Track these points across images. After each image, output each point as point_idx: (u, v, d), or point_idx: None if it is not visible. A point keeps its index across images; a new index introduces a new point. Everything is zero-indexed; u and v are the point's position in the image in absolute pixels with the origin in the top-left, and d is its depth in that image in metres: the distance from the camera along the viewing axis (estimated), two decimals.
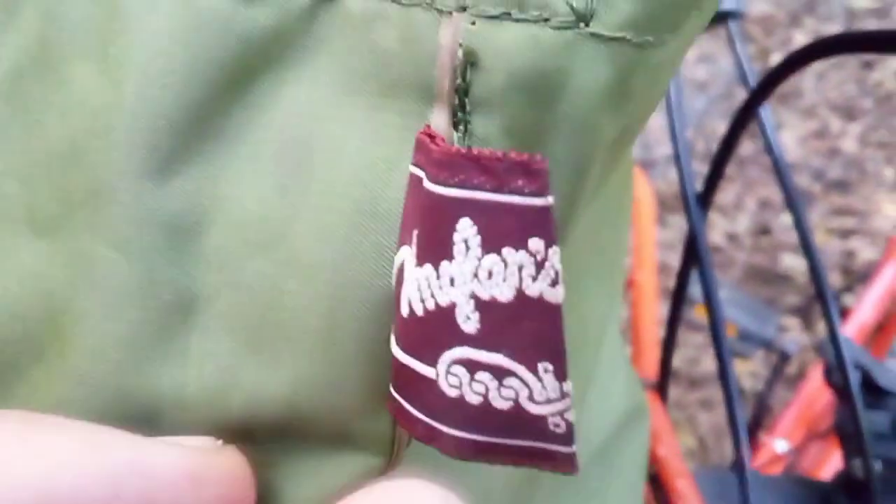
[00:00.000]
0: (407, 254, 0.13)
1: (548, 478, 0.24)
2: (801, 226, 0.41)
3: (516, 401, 0.12)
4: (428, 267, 0.12)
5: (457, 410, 0.12)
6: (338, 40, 0.13)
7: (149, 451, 0.12)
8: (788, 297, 1.40)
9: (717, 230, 1.47)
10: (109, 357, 0.13)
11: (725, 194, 1.52)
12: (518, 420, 0.12)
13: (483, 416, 0.12)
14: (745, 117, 0.43)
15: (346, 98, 0.13)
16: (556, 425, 0.12)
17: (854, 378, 0.42)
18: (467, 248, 0.12)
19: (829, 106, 1.67)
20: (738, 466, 0.43)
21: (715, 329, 0.45)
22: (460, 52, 0.12)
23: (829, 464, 0.86)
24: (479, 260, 0.12)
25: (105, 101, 0.13)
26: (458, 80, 0.12)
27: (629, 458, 0.31)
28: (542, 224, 0.11)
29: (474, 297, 0.12)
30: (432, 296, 0.12)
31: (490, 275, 0.12)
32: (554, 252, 0.11)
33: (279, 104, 0.13)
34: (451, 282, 0.12)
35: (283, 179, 0.13)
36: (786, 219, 1.49)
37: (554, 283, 0.11)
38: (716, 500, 0.49)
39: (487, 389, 0.12)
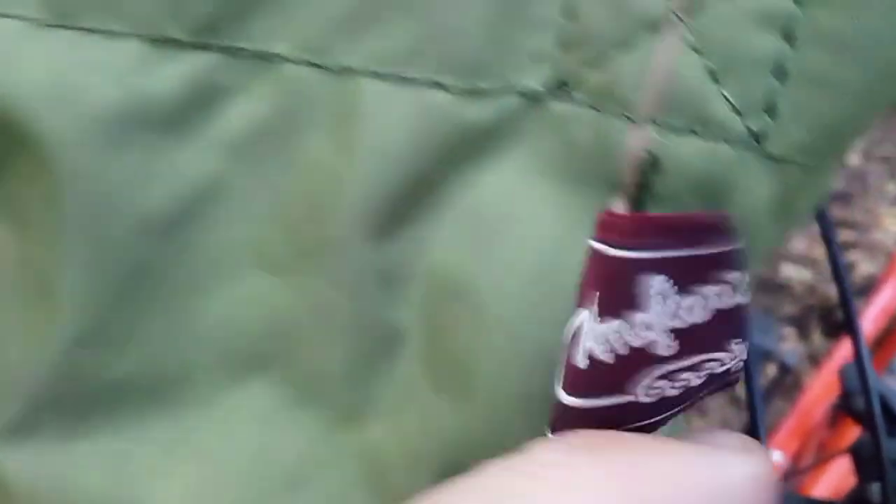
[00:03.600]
0: (586, 315, 0.15)
1: None
2: (836, 262, 0.41)
3: (710, 372, 0.15)
4: (615, 321, 0.14)
5: (655, 408, 0.15)
6: (539, 134, 0.15)
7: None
8: (785, 307, 1.41)
9: None
10: (330, 377, 0.17)
11: None
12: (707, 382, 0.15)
13: (681, 397, 0.15)
14: None
15: (540, 183, 0.15)
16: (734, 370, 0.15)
17: (877, 406, 0.42)
18: (664, 298, 0.14)
19: None
20: None
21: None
22: (645, 158, 0.14)
23: (823, 480, 0.87)
24: (678, 304, 0.14)
25: (340, 171, 0.15)
26: (640, 179, 0.15)
27: None
28: (736, 260, 0.14)
29: (673, 330, 0.14)
30: (625, 343, 0.14)
31: (690, 310, 0.14)
32: (747, 273, 0.14)
33: (482, 184, 0.16)
34: (648, 327, 0.14)
35: (478, 243, 0.16)
36: None
37: (746, 292, 0.14)
38: None
39: (688, 380, 0.15)
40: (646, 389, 0.15)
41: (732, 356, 0.15)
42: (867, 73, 0.14)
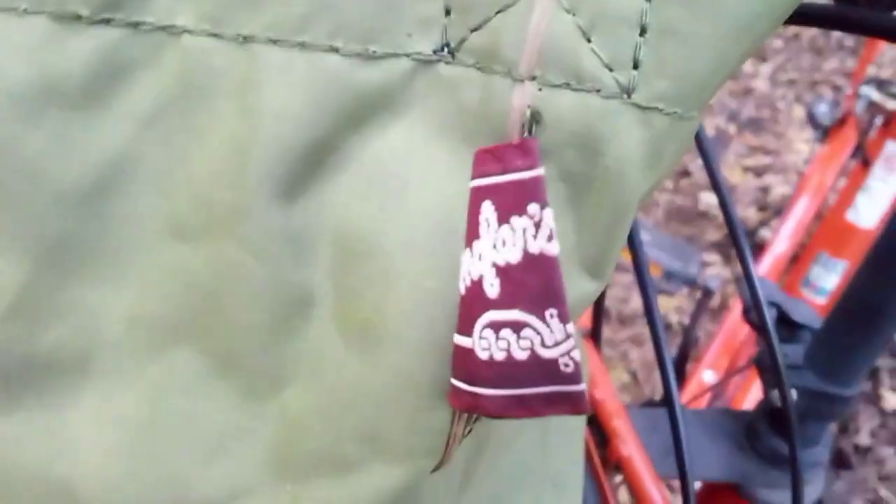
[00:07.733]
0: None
1: (496, 432, 0.26)
2: (711, 172, 0.43)
3: (532, 349, 0.14)
4: (467, 250, 0.15)
5: (489, 370, 0.15)
6: (430, 97, 0.16)
7: None
8: (708, 234, 1.46)
9: None
10: (247, 344, 0.17)
11: None
12: (536, 367, 0.15)
13: (509, 370, 0.15)
14: None
15: (434, 142, 0.16)
16: (566, 365, 0.14)
17: (770, 316, 0.44)
18: (488, 224, 0.15)
19: None
20: (668, 402, 0.46)
21: (640, 273, 0.47)
22: (527, 112, 0.15)
23: (749, 393, 0.92)
24: (497, 232, 0.14)
25: (244, 138, 0.15)
26: (525, 134, 0.16)
27: None
28: (536, 191, 0.14)
29: (494, 265, 0.15)
30: (469, 273, 0.15)
31: (504, 243, 0.15)
32: (547, 213, 0.14)
33: (381, 144, 0.16)
34: (480, 257, 0.15)
35: (380, 203, 0.16)
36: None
37: (550, 239, 0.14)
38: (649, 435, 0.52)
39: (509, 344, 0.15)
40: (479, 334, 0.15)
41: (551, 332, 0.14)
42: (718, 26, 0.15)
